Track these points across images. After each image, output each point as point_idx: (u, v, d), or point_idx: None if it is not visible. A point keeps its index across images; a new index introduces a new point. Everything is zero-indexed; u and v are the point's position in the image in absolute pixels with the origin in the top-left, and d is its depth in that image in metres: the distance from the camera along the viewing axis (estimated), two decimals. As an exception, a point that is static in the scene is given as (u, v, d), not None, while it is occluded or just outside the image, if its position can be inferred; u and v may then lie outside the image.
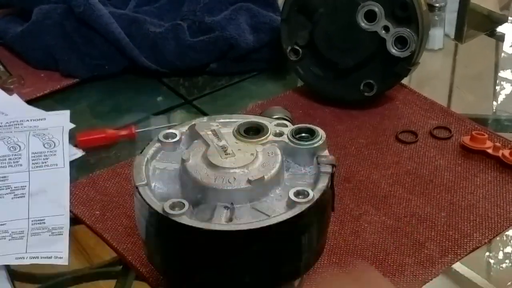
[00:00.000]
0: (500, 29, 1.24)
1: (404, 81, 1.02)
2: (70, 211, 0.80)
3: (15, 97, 1.01)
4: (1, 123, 0.93)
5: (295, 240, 0.61)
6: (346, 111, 0.99)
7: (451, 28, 1.27)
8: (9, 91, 1.02)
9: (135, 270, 0.73)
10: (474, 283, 0.75)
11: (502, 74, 1.15)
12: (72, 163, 0.87)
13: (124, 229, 0.78)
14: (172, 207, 0.59)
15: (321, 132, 0.66)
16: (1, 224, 0.78)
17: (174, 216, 0.58)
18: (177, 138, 0.67)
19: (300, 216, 0.59)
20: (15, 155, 0.86)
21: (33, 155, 0.86)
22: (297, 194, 0.60)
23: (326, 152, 0.65)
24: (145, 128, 0.95)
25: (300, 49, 0.99)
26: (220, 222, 0.59)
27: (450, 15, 1.28)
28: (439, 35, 1.23)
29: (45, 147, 0.88)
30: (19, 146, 0.87)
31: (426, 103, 1.01)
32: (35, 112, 0.98)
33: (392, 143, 0.93)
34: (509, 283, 0.74)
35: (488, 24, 1.27)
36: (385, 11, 0.93)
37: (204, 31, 1.06)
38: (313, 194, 0.60)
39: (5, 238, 0.76)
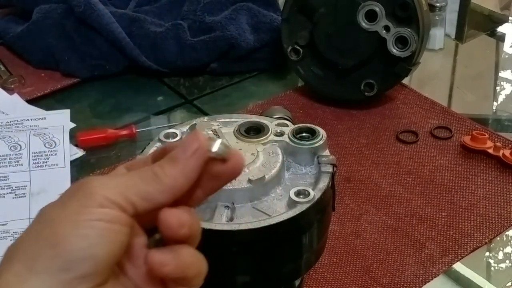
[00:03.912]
0: (500, 29, 1.24)
1: (405, 81, 1.02)
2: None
3: (15, 97, 1.01)
4: (2, 122, 0.93)
5: (296, 240, 0.61)
6: (347, 111, 0.99)
7: (451, 28, 1.27)
8: (9, 91, 1.02)
9: (136, 270, 0.73)
10: (474, 283, 0.75)
11: (502, 74, 1.15)
12: (72, 162, 0.87)
13: (124, 229, 0.78)
14: (173, 206, 0.59)
15: (321, 132, 0.66)
16: (3, 224, 0.78)
17: (175, 216, 0.58)
18: (178, 138, 0.67)
19: (300, 216, 0.59)
20: (15, 154, 0.86)
21: (33, 154, 0.86)
22: (298, 193, 0.60)
23: (326, 152, 0.65)
24: (145, 127, 0.95)
25: (300, 49, 0.99)
26: (220, 222, 0.59)
27: (451, 15, 1.28)
28: (439, 35, 1.23)
29: (45, 147, 0.88)
30: (20, 146, 0.87)
31: (426, 103, 1.01)
32: (36, 111, 0.98)
33: (393, 143, 0.93)
34: (509, 283, 0.74)
35: (489, 24, 1.27)
36: (385, 11, 0.93)
37: (205, 30, 1.06)
38: (314, 194, 0.60)
39: (6, 239, 0.76)
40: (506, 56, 1.21)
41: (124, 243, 0.39)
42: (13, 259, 0.38)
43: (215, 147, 0.41)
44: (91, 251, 0.38)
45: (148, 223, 0.42)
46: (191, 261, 0.41)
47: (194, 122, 0.69)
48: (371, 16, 0.94)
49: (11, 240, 0.75)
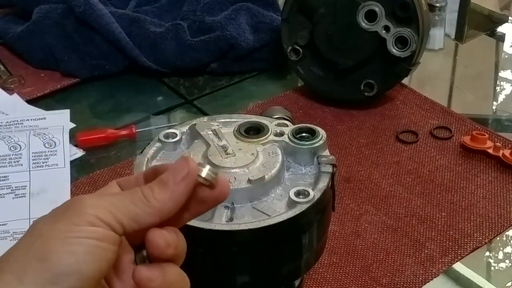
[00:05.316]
0: (500, 29, 1.24)
1: (405, 81, 1.02)
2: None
3: (15, 97, 1.01)
4: (2, 122, 0.93)
5: (296, 240, 0.61)
6: (347, 111, 0.99)
7: (451, 28, 1.27)
8: (9, 91, 1.02)
9: (136, 270, 0.73)
10: (474, 283, 0.75)
11: (502, 74, 1.15)
12: (72, 162, 0.87)
13: (124, 229, 0.78)
14: (173, 206, 0.59)
15: (321, 132, 0.66)
16: (3, 224, 0.78)
17: (175, 216, 0.58)
18: (178, 138, 0.67)
19: (300, 216, 0.59)
20: (15, 154, 0.86)
21: (33, 155, 0.86)
22: (298, 194, 0.60)
23: (326, 152, 0.65)
24: (145, 128, 0.95)
25: (300, 49, 0.99)
26: (220, 222, 0.59)
27: (451, 15, 1.28)
28: (439, 35, 1.23)
29: (45, 147, 0.88)
30: (20, 146, 0.87)
31: (426, 103, 1.01)
32: (35, 111, 0.98)
33: (393, 143, 0.93)
34: (509, 283, 0.74)
35: (489, 24, 1.27)
36: (385, 11, 0.93)
37: (204, 31, 1.06)
38: (314, 194, 0.60)
39: (6, 239, 0.76)
40: (506, 56, 1.21)
41: (111, 260, 0.41)
42: (3, 269, 0.39)
43: (204, 173, 0.43)
44: (78, 266, 0.39)
45: (135, 240, 0.43)
46: (176, 279, 0.43)
47: (194, 122, 0.69)
48: (371, 16, 0.94)
49: (11, 240, 0.76)
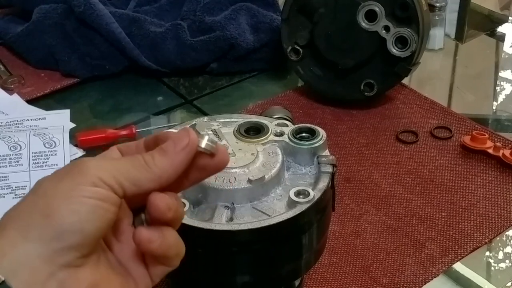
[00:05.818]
0: (500, 29, 1.24)
1: (405, 81, 1.02)
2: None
3: (15, 97, 1.01)
4: (2, 122, 0.93)
5: (296, 240, 0.61)
6: (347, 111, 0.99)
7: (451, 28, 1.27)
8: (9, 91, 1.02)
9: (136, 270, 0.73)
10: (474, 283, 0.75)
11: (502, 74, 1.15)
12: (72, 162, 0.87)
13: (124, 229, 0.78)
14: (173, 206, 0.59)
15: (321, 132, 0.66)
16: (2, 224, 0.78)
17: (175, 216, 0.58)
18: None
19: (300, 216, 0.59)
20: (15, 154, 0.86)
21: (33, 154, 0.86)
22: (298, 193, 0.60)
23: (326, 152, 0.65)
24: (145, 128, 0.95)
25: (300, 49, 0.99)
26: (220, 222, 0.59)
27: (451, 15, 1.28)
28: (439, 35, 1.23)
29: (45, 147, 0.88)
30: (20, 146, 0.87)
31: (426, 103, 1.01)
32: (35, 111, 0.98)
33: (393, 143, 0.93)
34: (509, 283, 0.74)
35: (489, 24, 1.27)
36: (385, 11, 0.93)
37: (204, 31, 1.06)
38: (314, 194, 0.60)
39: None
40: (506, 56, 1.21)
41: (111, 221, 0.42)
42: (7, 226, 0.41)
43: (203, 143, 0.45)
44: (81, 225, 0.40)
45: (134, 203, 0.45)
46: (173, 242, 0.45)
47: (194, 122, 0.69)
48: (371, 16, 0.94)
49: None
